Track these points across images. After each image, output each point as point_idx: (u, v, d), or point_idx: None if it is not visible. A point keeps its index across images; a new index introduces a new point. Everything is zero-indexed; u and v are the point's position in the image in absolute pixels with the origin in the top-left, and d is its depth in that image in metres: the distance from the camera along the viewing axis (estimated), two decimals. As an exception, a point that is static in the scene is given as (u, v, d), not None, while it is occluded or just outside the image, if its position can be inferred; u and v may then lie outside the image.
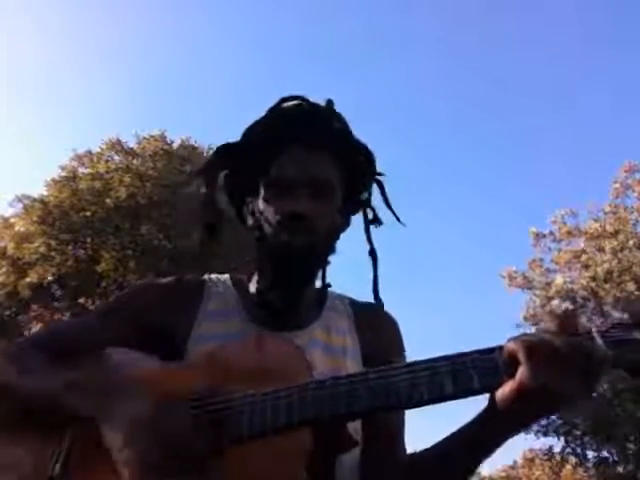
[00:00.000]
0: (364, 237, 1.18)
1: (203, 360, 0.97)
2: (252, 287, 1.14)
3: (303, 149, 1.11)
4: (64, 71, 29.80)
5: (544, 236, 16.79)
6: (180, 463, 0.80)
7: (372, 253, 1.17)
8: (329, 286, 1.17)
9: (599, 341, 0.76)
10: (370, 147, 1.18)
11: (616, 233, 15.33)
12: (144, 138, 15.94)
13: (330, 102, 1.16)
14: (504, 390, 0.78)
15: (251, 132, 1.16)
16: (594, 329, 0.78)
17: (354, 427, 0.95)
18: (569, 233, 16.40)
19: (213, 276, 1.19)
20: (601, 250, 15.28)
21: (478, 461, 0.90)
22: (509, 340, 0.79)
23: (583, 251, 15.76)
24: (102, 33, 30.29)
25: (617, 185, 16.14)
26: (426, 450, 0.98)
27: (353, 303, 1.20)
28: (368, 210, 1.19)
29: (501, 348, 0.79)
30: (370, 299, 1.18)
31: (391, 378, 0.81)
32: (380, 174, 1.19)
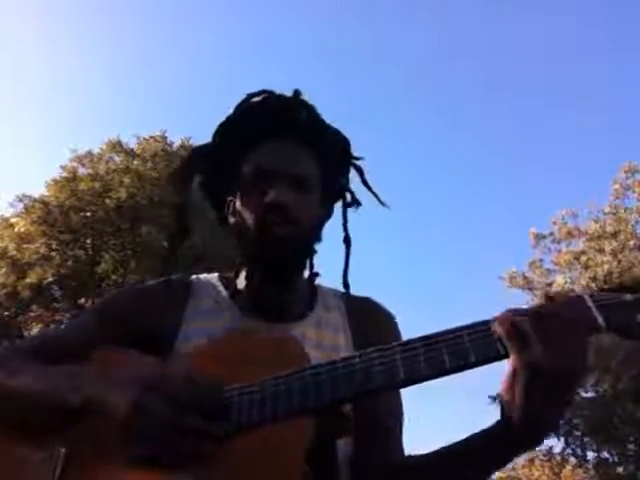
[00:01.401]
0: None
1: (196, 354, 0.96)
2: (240, 284, 1.13)
3: (277, 142, 1.11)
4: (65, 71, 29.81)
5: (544, 237, 16.80)
6: (184, 445, 0.79)
7: (346, 240, 1.17)
8: (317, 275, 1.15)
9: (590, 305, 0.77)
10: (343, 133, 1.17)
11: (616, 234, 15.33)
12: (144, 139, 15.95)
13: (297, 92, 1.16)
14: (511, 388, 0.76)
15: (221, 131, 1.16)
16: (585, 294, 0.79)
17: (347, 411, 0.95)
18: (569, 234, 16.39)
19: (201, 276, 1.18)
20: (601, 251, 15.28)
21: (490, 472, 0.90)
22: (499, 318, 0.79)
23: (583, 252, 15.76)
24: (103, 33, 30.32)
25: (617, 186, 16.14)
26: (431, 455, 0.94)
27: (347, 298, 1.17)
28: (346, 195, 1.19)
29: (495, 320, 0.79)
30: (366, 293, 1.17)
31: (389, 357, 0.81)
32: (357, 158, 1.19)
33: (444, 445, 0.92)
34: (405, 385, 0.82)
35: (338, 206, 1.20)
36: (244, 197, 1.10)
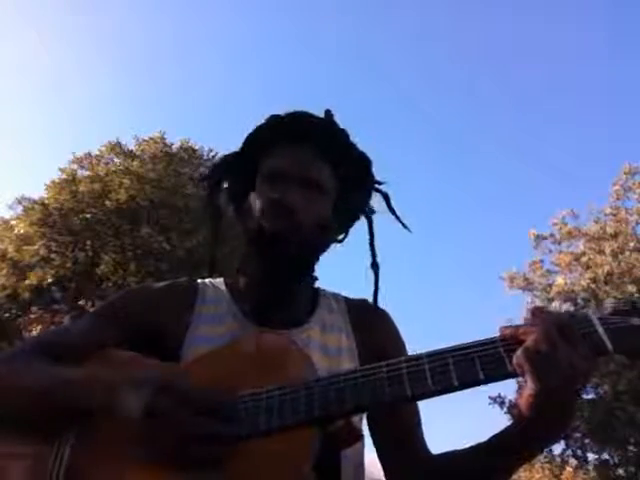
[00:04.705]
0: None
1: (200, 361, 0.96)
2: (242, 286, 1.14)
3: (292, 146, 1.13)
4: (64, 73, 29.83)
5: (544, 238, 16.81)
6: (198, 448, 0.79)
7: (374, 265, 1.17)
8: (316, 279, 1.16)
9: (599, 329, 0.77)
10: (368, 155, 1.18)
11: (616, 235, 15.33)
12: (144, 140, 15.93)
13: (328, 111, 1.17)
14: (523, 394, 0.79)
15: (250, 135, 1.18)
16: (593, 317, 0.79)
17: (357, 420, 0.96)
18: (569, 235, 16.40)
19: (207, 280, 1.18)
20: (601, 252, 15.28)
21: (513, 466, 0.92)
22: (507, 329, 0.81)
23: (583, 253, 15.76)
24: (103, 34, 30.35)
25: (617, 187, 16.16)
26: (457, 452, 0.98)
27: (347, 301, 1.19)
28: (363, 217, 1.19)
29: (502, 339, 0.80)
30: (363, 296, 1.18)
31: (396, 372, 0.81)
32: (380, 183, 1.19)
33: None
34: (412, 400, 0.82)
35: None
36: (254, 196, 1.11)
